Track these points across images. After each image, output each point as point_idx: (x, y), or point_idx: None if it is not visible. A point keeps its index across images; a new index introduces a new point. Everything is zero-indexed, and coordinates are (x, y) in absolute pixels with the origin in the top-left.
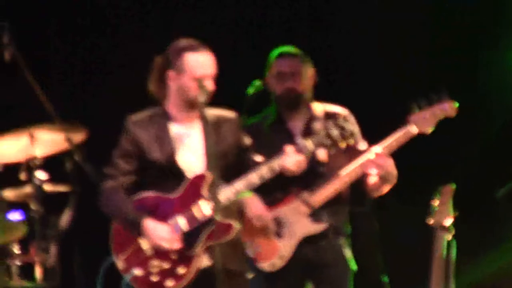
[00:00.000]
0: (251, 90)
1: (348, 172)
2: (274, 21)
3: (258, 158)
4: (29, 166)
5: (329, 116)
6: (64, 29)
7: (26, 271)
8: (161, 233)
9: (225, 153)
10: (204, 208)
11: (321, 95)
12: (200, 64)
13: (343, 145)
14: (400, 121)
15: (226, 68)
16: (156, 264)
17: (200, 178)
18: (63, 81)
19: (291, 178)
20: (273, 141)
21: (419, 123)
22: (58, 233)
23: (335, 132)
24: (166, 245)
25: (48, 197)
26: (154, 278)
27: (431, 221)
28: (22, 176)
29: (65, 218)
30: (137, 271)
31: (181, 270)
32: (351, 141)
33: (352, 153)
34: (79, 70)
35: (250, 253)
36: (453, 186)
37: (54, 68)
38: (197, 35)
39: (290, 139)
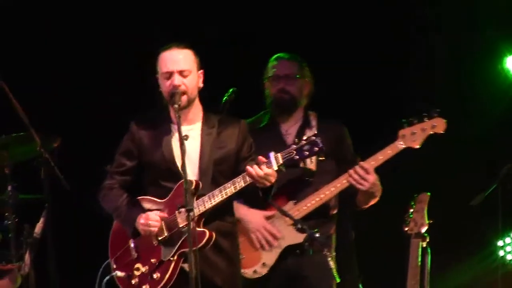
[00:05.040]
0: (225, 97)
1: (334, 184)
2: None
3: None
4: (3, 174)
5: (322, 126)
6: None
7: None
8: (145, 216)
9: (222, 159)
10: (183, 215)
11: (319, 107)
12: (163, 61)
13: (311, 160)
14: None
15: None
16: (139, 268)
17: (188, 184)
18: (39, 90)
19: (279, 186)
20: (263, 143)
21: (407, 138)
22: (32, 241)
23: (305, 148)
24: (150, 228)
25: (22, 205)
26: (134, 281)
27: (406, 229)
28: None
29: (39, 226)
30: (120, 273)
31: (156, 275)
32: (320, 158)
33: (342, 164)
34: (58, 78)
35: None
36: (428, 194)
37: (27, 76)
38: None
39: (281, 143)
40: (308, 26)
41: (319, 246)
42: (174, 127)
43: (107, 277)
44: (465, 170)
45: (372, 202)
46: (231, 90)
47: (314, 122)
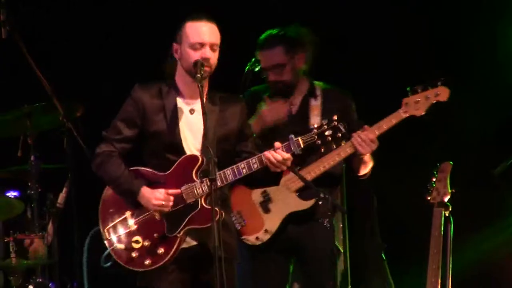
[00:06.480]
0: (248, 67)
1: (337, 151)
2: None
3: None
4: (26, 144)
5: (327, 95)
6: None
7: (24, 249)
8: (159, 195)
9: (225, 137)
10: (192, 191)
11: (324, 74)
12: (196, 31)
13: (333, 146)
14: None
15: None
16: (138, 241)
17: (192, 160)
18: (60, 58)
19: None
20: (270, 113)
21: (410, 107)
22: (55, 210)
23: (327, 133)
24: (165, 208)
25: (45, 174)
26: (134, 254)
27: (429, 198)
28: (19, 153)
29: (62, 196)
30: (119, 245)
31: (160, 250)
32: (342, 143)
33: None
34: (76, 47)
35: (236, 226)
36: (451, 163)
37: (51, 46)
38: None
39: (287, 113)
40: None
41: (339, 210)
42: (180, 100)
43: (108, 250)
44: (487, 139)
45: (363, 172)
46: (253, 59)
47: (318, 91)
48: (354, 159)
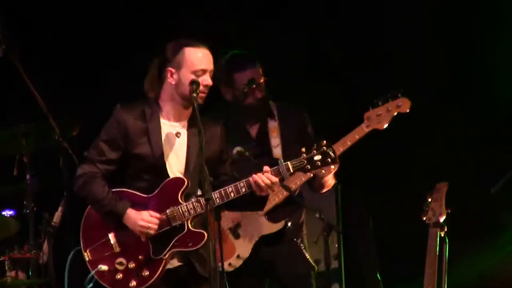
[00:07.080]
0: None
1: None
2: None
3: (233, 172)
4: (21, 163)
5: (283, 114)
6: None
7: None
8: (145, 217)
9: (208, 159)
10: (178, 214)
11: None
12: (199, 58)
13: (322, 171)
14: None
15: None
16: (122, 262)
17: (177, 182)
18: (56, 76)
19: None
20: (228, 137)
21: (372, 120)
22: (51, 229)
23: (316, 158)
24: (151, 230)
25: (41, 193)
26: (118, 276)
27: (424, 218)
28: (15, 172)
29: (58, 215)
30: (104, 267)
31: (145, 273)
32: (332, 167)
33: None
34: (74, 65)
35: None
36: (446, 184)
37: (47, 64)
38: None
39: (247, 137)
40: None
41: (335, 231)
42: (165, 123)
43: (92, 273)
44: (488, 140)
45: (326, 189)
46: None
47: (275, 111)
48: (317, 178)
